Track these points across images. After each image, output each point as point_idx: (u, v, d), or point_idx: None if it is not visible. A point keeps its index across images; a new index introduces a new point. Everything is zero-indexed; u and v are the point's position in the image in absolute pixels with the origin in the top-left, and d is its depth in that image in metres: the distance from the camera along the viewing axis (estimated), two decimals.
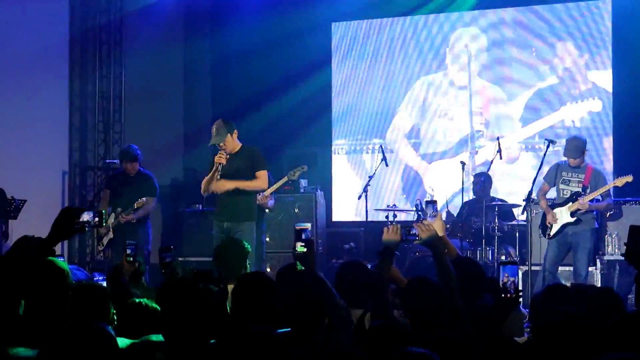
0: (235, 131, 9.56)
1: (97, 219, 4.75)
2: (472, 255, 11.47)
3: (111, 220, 11.44)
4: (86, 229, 4.79)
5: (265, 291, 4.81)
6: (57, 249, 12.99)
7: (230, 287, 6.51)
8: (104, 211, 5.09)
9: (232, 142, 9.50)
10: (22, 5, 13.07)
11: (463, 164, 11.63)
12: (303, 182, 12.96)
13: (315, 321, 4.44)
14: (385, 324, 4.45)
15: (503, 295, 4.67)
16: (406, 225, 5.62)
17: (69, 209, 4.68)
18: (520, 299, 4.74)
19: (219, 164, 9.36)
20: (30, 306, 4.40)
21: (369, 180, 12.07)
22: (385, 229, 5.65)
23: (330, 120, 15.01)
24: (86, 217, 4.72)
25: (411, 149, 14.44)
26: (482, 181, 11.79)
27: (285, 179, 11.01)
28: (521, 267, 11.12)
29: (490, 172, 11.95)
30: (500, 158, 11.45)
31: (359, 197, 12.13)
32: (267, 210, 11.15)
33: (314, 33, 14.95)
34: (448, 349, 3.98)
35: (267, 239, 11.58)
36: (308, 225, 6.03)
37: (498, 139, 11.50)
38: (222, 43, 15.61)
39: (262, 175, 9.57)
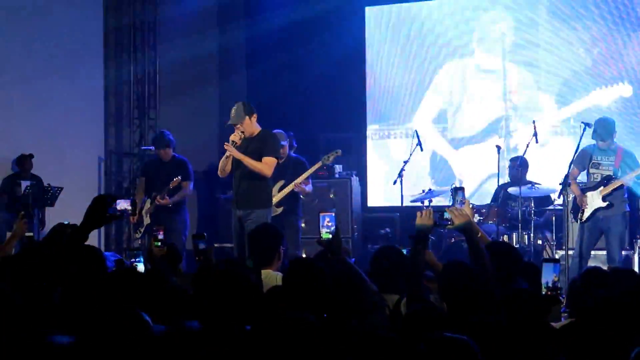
0: (255, 115, 9.50)
1: (130, 208, 4.78)
2: (508, 240, 11.42)
3: (147, 206, 11.49)
4: (119, 216, 4.81)
5: (318, 278, 4.81)
6: (94, 236, 13.14)
7: (265, 272, 6.55)
8: (136, 200, 5.10)
9: (251, 125, 9.44)
10: None
11: (499, 147, 11.55)
12: (338, 168, 12.95)
13: (348, 306, 4.44)
14: (422, 309, 4.43)
15: (545, 292, 4.62)
16: (439, 210, 5.59)
17: (102, 197, 4.71)
18: (562, 295, 4.69)
19: (233, 141, 9.28)
20: (66, 293, 4.42)
21: (404, 165, 12.01)
22: (418, 213, 5.63)
23: (365, 105, 14.96)
24: (121, 205, 4.75)
25: (439, 134, 14.38)
26: (518, 165, 11.68)
27: (319, 163, 11.00)
28: (557, 251, 11.10)
29: (525, 156, 11.84)
30: (537, 142, 11.35)
31: (394, 182, 12.08)
32: (302, 197, 11.15)
33: (347, 18, 14.91)
34: (485, 334, 3.95)
35: (303, 225, 11.54)
36: (332, 212, 6.04)
37: (534, 122, 11.38)
38: (257, 28, 15.59)
39: (268, 161, 9.38)
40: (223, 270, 4.55)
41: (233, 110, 9.49)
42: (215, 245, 11.40)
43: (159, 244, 6.45)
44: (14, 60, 12.45)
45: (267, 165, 9.37)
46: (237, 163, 9.37)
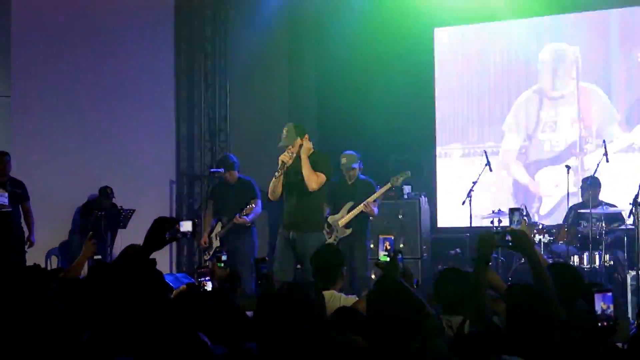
0: (306, 135, 9.37)
1: (191, 229, 4.83)
2: (579, 260, 11.28)
3: (217, 229, 11.61)
4: (179, 238, 4.87)
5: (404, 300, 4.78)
6: (166, 257, 13.30)
7: (329, 293, 6.56)
8: (196, 221, 5.15)
9: (297, 148, 9.29)
10: (129, 17, 13.35)
11: (568, 167, 11.45)
12: (407, 189, 12.91)
13: (408, 331, 4.42)
14: (482, 331, 4.41)
15: (600, 324, 4.55)
16: (500, 232, 5.56)
17: (161, 220, 4.77)
18: (618, 325, 4.60)
19: (283, 162, 9.18)
20: (129, 313, 4.48)
21: (472, 186, 11.97)
22: (480, 235, 5.61)
23: (434, 126, 14.93)
24: (184, 227, 4.81)
25: (520, 165, 14.30)
26: (589, 185, 11.57)
27: (388, 185, 11.00)
28: (630, 271, 10.93)
29: (597, 176, 11.71)
30: (607, 161, 11.24)
31: (463, 203, 12.03)
32: (371, 218, 11.16)
33: (416, 39, 14.90)
34: (548, 355, 3.91)
35: (372, 246, 11.54)
36: (392, 235, 6.03)
37: (604, 142, 11.28)
38: (326, 52, 15.66)
39: (321, 176, 9.23)
40: (285, 295, 4.58)
41: (285, 131, 9.39)
42: None
43: (222, 264, 6.50)
44: (86, 87, 12.68)
45: (317, 178, 9.21)
46: (289, 185, 9.28)
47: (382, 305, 4.59)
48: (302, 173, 9.22)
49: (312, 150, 9.34)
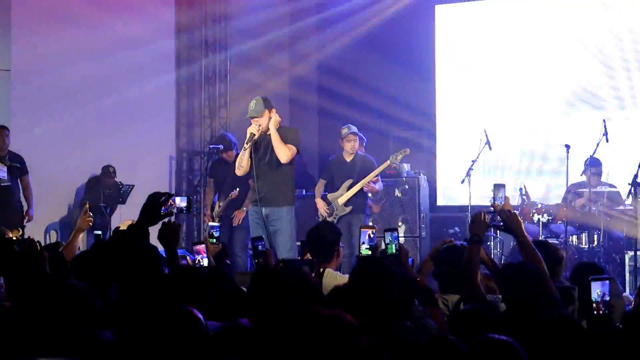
0: (274, 109, 9.28)
1: (185, 205, 4.84)
2: (577, 240, 11.28)
3: (216, 208, 11.64)
4: (174, 213, 4.88)
5: (385, 277, 4.79)
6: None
7: (326, 271, 6.58)
8: (190, 197, 5.16)
9: (266, 121, 9.17)
10: None
11: (568, 147, 11.41)
12: (406, 167, 12.90)
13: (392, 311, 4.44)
14: (472, 309, 4.43)
15: (595, 312, 4.54)
16: (492, 212, 5.58)
17: (156, 195, 4.78)
18: (613, 313, 4.60)
19: (252, 134, 9.06)
20: (122, 290, 4.49)
21: (472, 164, 11.97)
22: (474, 216, 5.63)
23: (434, 104, 14.92)
24: (177, 202, 4.82)
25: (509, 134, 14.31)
26: (588, 164, 11.53)
27: (387, 162, 11.00)
28: (628, 252, 10.93)
29: (597, 156, 11.66)
30: (607, 141, 11.21)
31: (462, 182, 12.02)
32: (370, 195, 11.16)
33: (418, 16, 14.87)
34: (542, 331, 3.91)
35: (370, 223, 11.55)
36: (374, 228, 5.99)
37: (604, 121, 11.25)
38: (327, 29, 15.61)
39: (292, 148, 9.20)
40: (279, 271, 4.60)
41: (253, 103, 9.24)
42: None
43: (214, 240, 6.49)
44: (87, 62, 12.63)
45: (288, 150, 9.16)
46: (259, 161, 9.20)
47: (363, 284, 4.62)
48: (272, 147, 9.16)
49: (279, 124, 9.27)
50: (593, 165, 11.55)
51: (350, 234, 10.55)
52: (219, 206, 11.63)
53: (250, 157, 9.15)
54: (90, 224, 7.00)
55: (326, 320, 2.55)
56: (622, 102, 13.63)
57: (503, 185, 5.83)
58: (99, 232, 7.65)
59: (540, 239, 10.40)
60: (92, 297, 3.82)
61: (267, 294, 4.19)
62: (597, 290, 4.57)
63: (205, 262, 6.32)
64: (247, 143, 9.09)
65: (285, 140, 9.20)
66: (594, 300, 4.56)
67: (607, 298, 4.55)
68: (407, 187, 12.69)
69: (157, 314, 3.61)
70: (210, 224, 6.73)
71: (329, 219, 10.72)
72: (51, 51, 12.30)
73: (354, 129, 11.09)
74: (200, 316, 3.75)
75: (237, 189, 11.30)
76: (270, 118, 9.18)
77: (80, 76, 12.57)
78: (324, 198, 11.14)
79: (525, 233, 5.56)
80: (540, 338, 3.86)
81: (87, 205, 7.13)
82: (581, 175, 11.83)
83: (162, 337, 3.51)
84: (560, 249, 6.47)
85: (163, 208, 4.77)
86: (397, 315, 4.59)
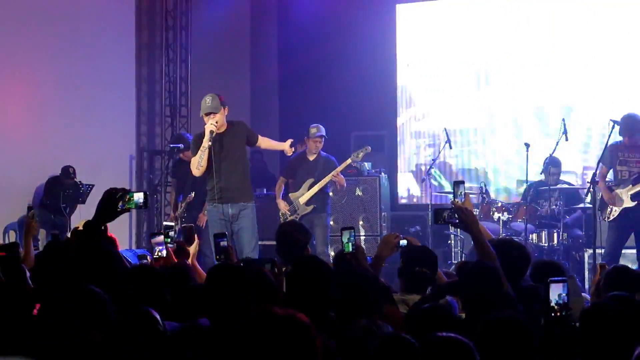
0: (227, 108, 9.17)
1: (142, 200, 4.80)
2: (537, 238, 11.35)
3: (180, 209, 11.59)
4: (130, 209, 4.84)
5: (321, 275, 4.79)
6: (125, 233, 13.24)
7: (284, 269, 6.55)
8: (147, 193, 5.10)
9: (223, 118, 9.09)
10: None
11: (527, 145, 11.47)
12: (367, 165, 12.93)
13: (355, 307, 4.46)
14: (425, 309, 4.45)
15: (552, 314, 4.57)
16: (448, 209, 5.61)
17: (112, 191, 4.74)
18: (571, 314, 4.63)
19: (212, 131, 8.93)
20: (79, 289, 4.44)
21: (432, 163, 12.02)
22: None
23: (395, 103, 14.96)
24: (134, 198, 4.78)
25: (470, 132, 14.39)
26: (547, 163, 11.60)
27: (349, 160, 11.01)
28: (587, 249, 11.01)
29: (556, 155, 11.73)
30: (567, 140, 11.28)
31: (423, 180, 12.09)
32: (330, 194, 11.17)
33: (378, 15, 14.92)
34: (496, 330, 3.93)
35: (332, 223, 11.57)
36: (352, 228, 6.07)
37: (563, 120, 11.32)
38: (288, 26, 15.64)
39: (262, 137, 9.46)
40: (235, 268, 4.58)
41: (209, 100, 9.08)
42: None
43: (169, 240, 6.42)
44: (45, 61, 12.55)
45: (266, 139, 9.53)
46: (222, 156, 9.08)
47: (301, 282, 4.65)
48: (230, 144, 9.10)
49: (226, 125, 9.18)
50: (552, 164, 11.62)
51: (312, 233, 10.54)
52: (181, 207, 11.57)
53: (208, 156, 9.03)
54: (35, 229, 6.88)
55: (280, 320, 2.55)
56: (581, 100, 13.74)
57: (462, 182, 5.86)
58: (57, 232, 7.60)
59: (501, 236, 10.47)
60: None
61: (225, 292, 4.17)
62: (556, 291, 4.59)
63: (164, 253, 6.26)
64: (208, 142, 8.95)
65: (250, 136, 9.29)
66: (552, 301, 4.58)
67: (566, 300, 4.57)
68: (367, 185, 12.73)
69: (116, 314, 3.58)
70: (165, 223, 6.67)
71: (291, 218, 10.72)
72: (6, 49, 12.19)
73: (323, 131, 11.05)
74: (158, 316, 3.73)
75: (193, 193, 11.20)
76: (225, 115, 9.13)
77: (40, 75, 12.48)
78: (285, 197, 11.12)
79: (481, 230, 5.59)
80: (489, 338, 3.88)
81: (33, 212, 7.00)
82: (541, 174, 11.90)
83: (120, 338, 3.48)
84: (526, 247, 6.50)
85: (120, 204, 4.73)
86: (357, 314, 4.61)
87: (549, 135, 13.23)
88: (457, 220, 5.53)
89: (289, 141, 9.74)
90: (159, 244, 6.31)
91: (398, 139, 14.86)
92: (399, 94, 14.96)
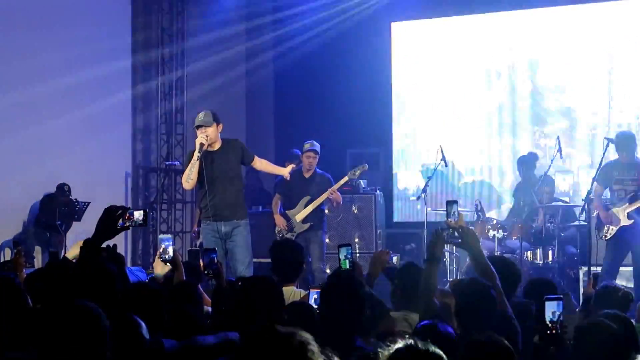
0: (221, 125, 9.15)
1: (142, 218, 4.82)
2: (532, 255, 11.37)
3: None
4: (130, 227, 4.85)
5: (354, 293, 4.81)
6: (121, 250, 13.22)
7: (288, 289, 6.55)
8: (147, 211, 5.11)
9: (216, 133, 9.06)
10: (85, 5, 13.27)
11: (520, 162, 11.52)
12: (363, 183, 12.96)
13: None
14: (424, 327, 4.47)
15: (548, 332, 4.60)
16: (448, 229, 5.61)
17: (112, 209, 4.75)
18: (566, 333, 4.66)
19: (202, 144, 8.86)
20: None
21: (427, 181, 12.04)
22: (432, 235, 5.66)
23: (391, 121, 15.01)
24: (135, 216, 4.80)
25: (464, 150, 14.44)
26: (541, 182, 11.64)
27: (345, 178, 11.02)
28: (582, 267, 11.03)
29: (550, 173, 11.78)
30: (561, 157, 11.34)
31: (418, 198, 12.11)
32: (327, 211, 11.20)
33: (373, 33, 14.97)
34: (476, 353, 3.94)
35: (327, 240, 11.60)
36: (349, 244, 6.10)
37: (558, 138, 11.38)
38: (284, 46, 15.67)
39: (262, 160, 9.54)
40: (246, 288, 4.58)
41: (201, 115, 9.09)
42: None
43: (165, 256, 6.28)
44: (41, 79, 12.55)
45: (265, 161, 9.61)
46: (215, 174, 9.05)
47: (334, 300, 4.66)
48: (225, 162, 9.09)
49: (220, 142, 9.18)
50: (546, 182, 11.66)
51: (308, 250, 10.57)
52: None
53: (201, 172, 9.00)
54: (22, 265, 6.82)
55: (282, 339, 2.57)
56: (575, 117, 13.81)
57: (456, 202, 5.87)
58: (55, 250, 7.59)
59: (496, 254, 10.49)
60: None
61: (229, 312, 4.19)
62: (551, 309, 4.63)
63: (170, 251, 6.17)
64: (197, 153, 8.89)
65: (245, 156, 9.27)
66: (547, 319, 4.61)
67: (562, 318, 4.60)
68: (362, 202, 12.75)
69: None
70: (161, 236, 6.54)
71: (287, 235, 10.74)
72: (4, 65, 12.20)
73: (316, 146, 11.07)
74: (142, 323, 3.75)
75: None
76: (219, 131, 9.14)
77: (35, 93, 12.48)
78: (283, 214, 11.13)
79: (482, 250, 5.61)
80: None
81: (20, 248, 6.94)
82: (535, 191, 11.94)
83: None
84: (517, 264, 6.54)
85: (120, 222, 4.75)
86: (363, 332, 4.65)
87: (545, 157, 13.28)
88: (459, 240, 5.54)
89: (290, 167, 9.78)
90: (164, 240, 6.22)
91: (393, 157, 14.89)
92: (395, 111, 15.01)
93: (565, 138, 13.01)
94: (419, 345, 3.19)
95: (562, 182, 12.78)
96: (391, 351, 3.17)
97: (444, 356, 3.32)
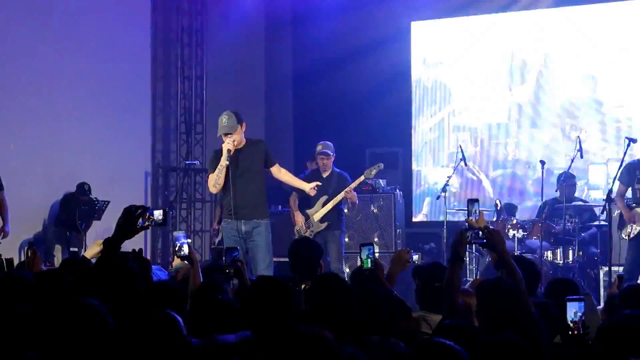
0: (244, 124, 9.13)
1: (162, 217, 4.82)
2: (552, 255, 11.33)
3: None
4: (149, 226, 4.86)
5: (340, 293, 4.81)
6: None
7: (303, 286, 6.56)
8: (166, 210, 5.11)
9: (240, 136, 9.03)
10: (106, 8, 13.29)
11: (543, 162, 11.49)
12: (382, 182, 12.93)
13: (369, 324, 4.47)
14: (450, 325, 4.45)
15: (570, 332, 4.58)
16: (472, 230, 5.58)
17: (132, 209, 4.76)
18: (588, 334, 4.64)
19: (229, 150, 8.86)
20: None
21: (447, 180, 12.02)
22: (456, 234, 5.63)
23: (410, 120, 14.99)
24: (155, 215, 4.81)
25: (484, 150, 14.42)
26: (562, 180, 11.62)
27: (361, 177, 10.96)
28: (602, 267, 10.99)
29: (572, 171, 11.75)
30: (582, 157, 11.31)
31: (438, 197, 12.08)
32: (346, 211, 11.17)
33: (393, 33, 14.95)
34: (493, 353, 3.92)
35: (346, 239, 11.57)
36: (372, 243, 6.09)
37: (578, 137, 11.34)
38: (303, 45, 15.69)
39: (281, 168, 9.41)
40: (268, 285, 4.57)
41: (225, 119, 9.04)
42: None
43: (181, 253, 6.24)
44: (62, 78, 12.59)
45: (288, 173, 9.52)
46: (238, 172, 9.03)
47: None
48: (248, 161, 9.07)
49: (244, 140, 9.14)
50: (567, 181, 11.63)
51: (326, 250, 10.54)
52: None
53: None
54: (38, 264, 6.82)
55: (306, 338, 2.56)
56: (599, 118, 13.75)
57: (477, 200, 5.84)
58: (76, 249, 7.59)
59: (516, 254, 10.45)
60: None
61: (251, 312, 4.18)
62: (573, 310, 4.60)
63: (185, 249, 6.17)
64: (226, 161, 8.91)
65: (268, 159, 9.21)
66: (569, 320, 4.59)
67: (583, 318, 4.58)
68: (382, 202, 12.72)
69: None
70: (175, 233, 6.51)
71: (305, 234, 10.71)
72: (25, 66, 12.24)
73: (327, 149, 10.98)
74: (180, 320, 3.76)
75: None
76: (244, 132, 9.13)
77: (56, 93, 12.53)
78: (302, 213, 11.10)
79: (507, 250, 5.58)
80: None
81: (33, 248, 6.93)
82: (555, 191, 11.91)
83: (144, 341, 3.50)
84: (536, 264, 6.50)
85: (140, 221, 4.75)
86: (371, 331, 4.63)
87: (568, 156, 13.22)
88: (484, 240, 5.50)
89: (314, 184, 9.74)
90: (178, 237, 6.21)
91: (413, 155, 14.87)
92: (414, 110, 14.99)
93: (594, 131, 12.99)
94: (442, 343, 3.19)
95: (594, 175, 12.72)
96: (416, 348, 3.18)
97: (464, 354, 3.31)
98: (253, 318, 4.20)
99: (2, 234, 11.47)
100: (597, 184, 13.22)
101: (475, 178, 14.40)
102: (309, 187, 9.63)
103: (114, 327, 3.57)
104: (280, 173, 9.45)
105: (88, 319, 3.45)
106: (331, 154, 10.96)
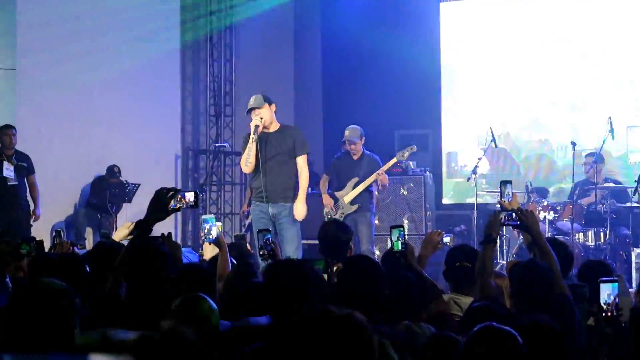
0: (274, 106, 9.04)
1: (193, 200, 4.83)
2: (584, 237, 11.28)
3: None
4: (181, 209, 4.86)
5: (372, 275, 4.79)
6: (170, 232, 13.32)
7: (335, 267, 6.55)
8: (198, 192, 5.11)
9: (270, 114, 8.96)
10: None
11: (574, 144, 11.43)
12: (412, 164, 12.89)
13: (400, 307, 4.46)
14: (480, 306, 4.43)
15: (603, 314, 4.55)
16: (507, 211, 5.55)
17: (163, 191, 4.77)
18: (622, 316, 4.60)
19: (256, 126, 8.81)
20: (132, 289, 4.48)
21: (477, 162, 11.96)
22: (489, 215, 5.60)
23: (440, 102, 14.92)
24: (187, 197, 4.81)
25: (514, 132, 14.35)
26: (594, 161, 11.54)
27: (394, 159, 10.95)
28: (634, 249, 10.92)
29: (602, 152, 11.67)
30: (613, 138, 11.23)
31: (468, 179, 12.03)
32: (376, 193, 11.15)
33: (422, 13, 14.89)
34: (542, 332, 3.89)
35: (376, 222, 11.55)
36: (402, 226, 6.06)
37: (610, 118, 11.26)
38: (332, 28, 15.64)
39: (303, 160, 9.11)
40: (295, 266, 4.56)
41: (252, 99, 9.01)
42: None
43: (210, 238, 6.24)
44: (92, 61, 12.63)
45: (306, 168, 9.16)
46: (264, 157, 8.96)
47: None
48: (279, 144, 9.02)
49: (277, 124, 9.10)
50: (598, 162, 11.56)
51: (356, 232, 10.52)
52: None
53: (256, 153, 8.94)
54: (69, 246, 6.88)
55: (338, 320, 2.55)
56: (626, 97, 13.65)
57: (510, 182, 5.81)
58: (107, 231, 7.64)
59: (547, 236, 10.40)
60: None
61: (279, 292, 4.17)
62: (606, 291, 4.57)
63: (213, 231, 6.16)
64: (253, 136, 8.86)
65: (296, 148, 9.08)
66: (603, 301, 4.56)
67: (617, 300, 4.55)
68: (412, 184, 12.70)
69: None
70: (203, 217, 6.50)
71: (335, 216, 10.71)
72: (55, 49, 12.28)
73: (353, 135, 10.89)
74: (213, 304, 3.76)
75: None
76: (274, 111, 9.09)
77: (86, 75, 12.57)
78: (331, 195, 11.10)
79: (541, 232, 5.55)
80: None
81: (60, 231, 6.98)
82: (586, 173, 11.86)
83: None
84: (569, 246, 6.47)
85: (172, 204, 4.76)
86: (402, 314, 4.62)
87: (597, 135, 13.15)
88: (518, 222, 5.47)
89: (303, 213, 9.23)
90: (207, 221, 6.22)
91: (442, 138, 14.81)
92: (443, 92, 14.92)
93: (629, 109, 12.92)
94: (499, 328, 3.18)
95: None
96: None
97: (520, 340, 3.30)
98: (271, 301, 4.19)
99: (34, 217, 11.57)
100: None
101: (505, 159, 14.32)
102: (301, 210, 9.24)
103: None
104: (300, 170, 9.21)
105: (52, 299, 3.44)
106: (358, 139, 10.91)
